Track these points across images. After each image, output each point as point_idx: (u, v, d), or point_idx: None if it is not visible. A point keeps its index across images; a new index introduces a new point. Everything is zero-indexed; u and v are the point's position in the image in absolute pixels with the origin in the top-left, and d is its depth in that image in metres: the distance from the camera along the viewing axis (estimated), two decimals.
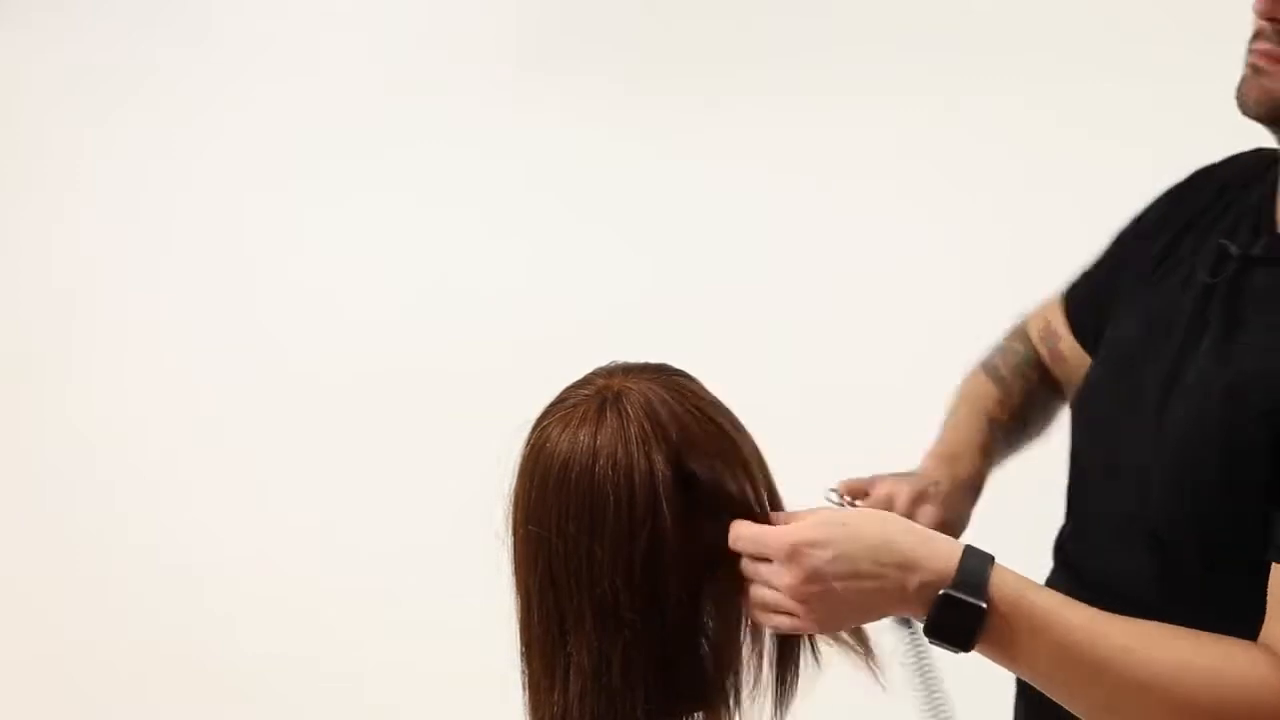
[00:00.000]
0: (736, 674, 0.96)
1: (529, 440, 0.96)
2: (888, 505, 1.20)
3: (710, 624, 0.94)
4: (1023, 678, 0.94)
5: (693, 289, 2.38)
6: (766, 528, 0.91)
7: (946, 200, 2.20)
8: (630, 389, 0.94)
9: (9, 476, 2.77)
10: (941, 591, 0.88)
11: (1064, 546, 1.22)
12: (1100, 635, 0.90)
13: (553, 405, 0.97)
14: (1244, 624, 0.93)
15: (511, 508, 0.96)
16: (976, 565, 0.89)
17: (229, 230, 2.68)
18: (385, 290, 2.58)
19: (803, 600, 0.89)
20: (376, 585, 2.50)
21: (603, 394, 0.94)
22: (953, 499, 1.25)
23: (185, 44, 2.72)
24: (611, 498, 0.90)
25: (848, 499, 1.22)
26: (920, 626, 0.91)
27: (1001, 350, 1.39)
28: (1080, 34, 2.14)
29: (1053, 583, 1.17)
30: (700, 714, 0.94)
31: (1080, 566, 1.17)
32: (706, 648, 0.93)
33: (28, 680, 2.68)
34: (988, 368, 1.38)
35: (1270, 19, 1.00)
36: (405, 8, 2.63)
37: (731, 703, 0.95)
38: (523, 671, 0.96)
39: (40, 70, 2.81)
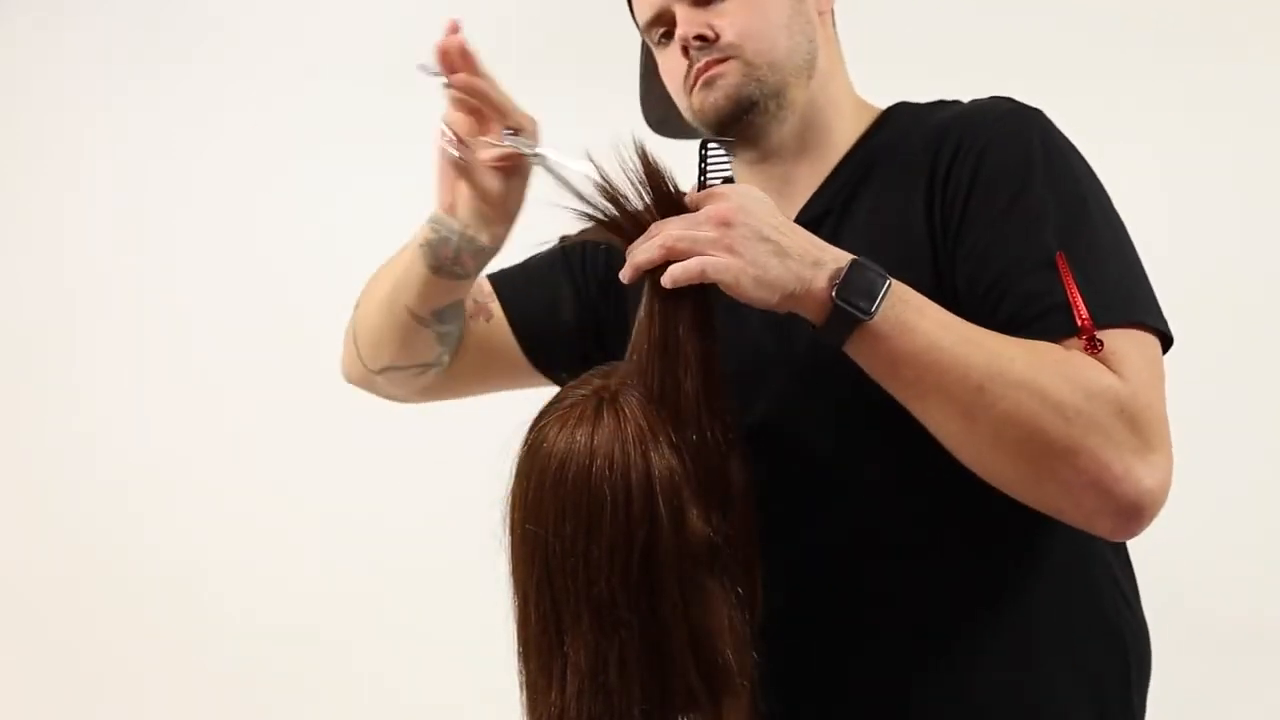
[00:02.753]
0: (732, 674, 0.96)
1: (526, 440, 0.96)
2: None
3: (707, 624, 0.93)
4: (893, 374, 0.94)
5: None
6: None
7: None
8: (627, 389, 0.94)
9: (9, 476, 2.77)
10: (856, 261, 0.93)
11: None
12: (978, 330, 0.94)
13: (550, 405, 0.97)
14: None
15: (509, 508, 0.96)
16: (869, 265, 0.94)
17: (232, 230, 2.67)
18: None
19: (726, 224, 0.92)
20: (377, 585, 2.49)
21: (600, 394, 0.94)
22: None
23: (189, 43, 2.71)
24: (608, 498, 0.90)
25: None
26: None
27: None
28: (1081, 35, 2.15)
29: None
30: (696, 714, 0.94)
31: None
32: (703, 648, 0.93)
33: (28, 680, 2.68)
34: None
35: (695, 39, 1.11)
36: (406, 11, 2.63)
37: (728, 703, 0.95)
38: (519, 671, 0.96)
39: (41, 70, 2.81)
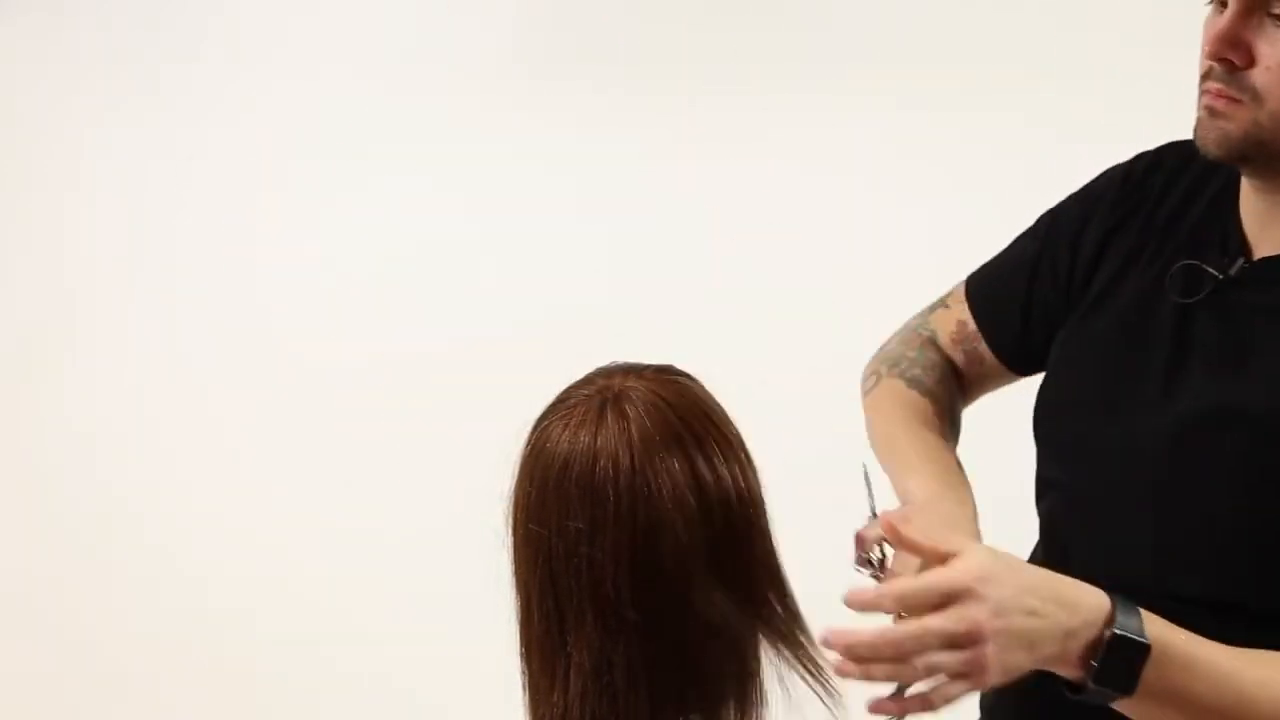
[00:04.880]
0: (736, 676, 0.96)
1: (530, 440, 0.96)
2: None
3: (710, 625, 0.93)
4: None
5: (691, 285, 2.38)
6: (927, 575, 0.83)
7: (935, 198, 2.20)
8: (631, 390, 0.94)
9: (10, 476, 2.77)
10: (1110, 631, 0.84)
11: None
12: (1248, 675, 0.89)
13: (554, 405, 0.97)
14: None
15: (512, 507, 0.96)
16: (1127, 604, 0.87)
17: (230, 230, 2.68)
18: (385, 291, 2.57)
19: (987, 639, 0.82)
20: (379, 585, 2.50)
21: (604, 394, 0.94)
22: (974, 526, 1.17)
23: (189, 44, 2.72)
24: (611, 498, 0.90)
25: (874, 550, 1.11)
26: None
27: (919, 362, 1.32)
28: (1079, 37, 2.15)
29: None
30: (700, 715, 0.94)
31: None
32: (707, 649, 0.93)
33: (29, 681, 2.68)
34: (911, 380, 1.30)
35: (1219, 59, 0.99)
36: (406, 12, 2.63)
37: (732, 705, 0.95)
38: (523, 671, 0.96)
39: (41, 70, 2.81)
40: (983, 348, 1.29)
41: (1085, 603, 0.86)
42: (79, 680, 2.67)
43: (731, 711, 0.95)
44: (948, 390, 1.30)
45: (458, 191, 2.56)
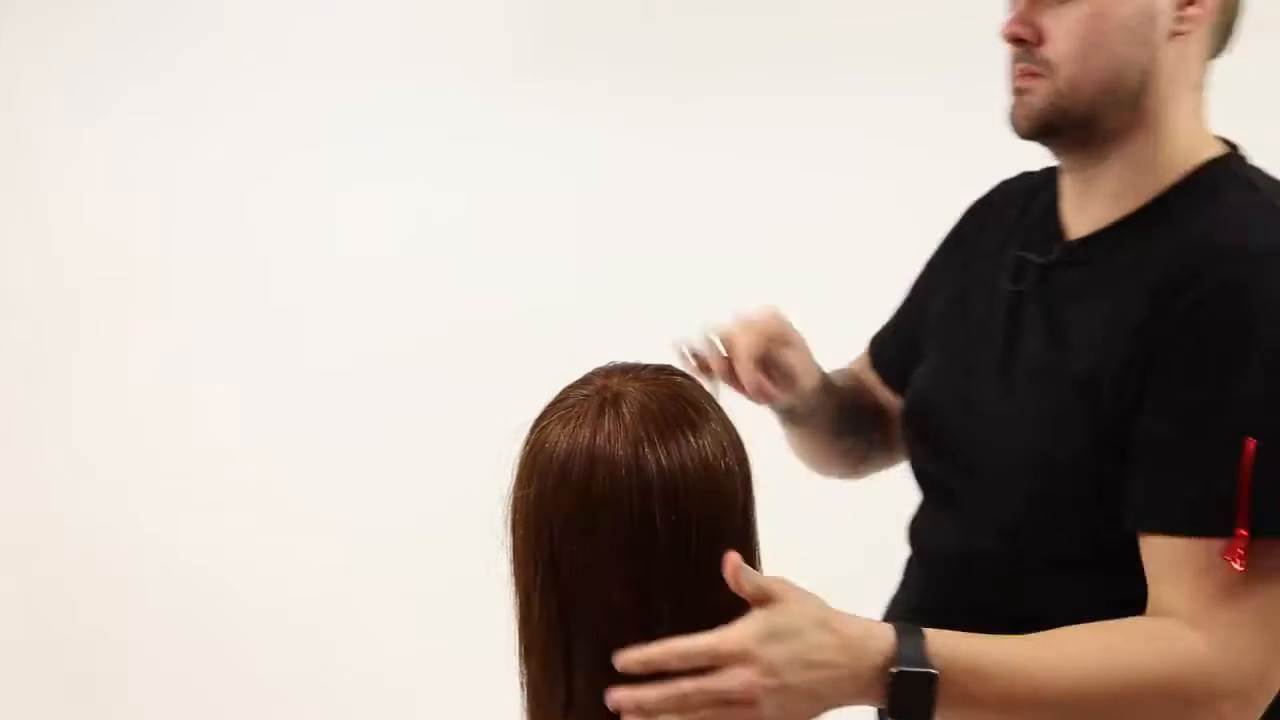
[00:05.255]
0: None
1: (528, 439, 0.96)
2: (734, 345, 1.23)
3: (711, 624, 0.93)
4: None
5: (691, 284, 2.38)
6: (706, 637, 0.87)
7: (929, 197, 2.19)
8: (629, 390, 0.94)
9: (10, 476, 2.77)
10: (894, 670, 0.89)
11: (918, 531, 1.27)
12: (1039, 662, 0.95)
13: (552, 404, 0.97)
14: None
15: (511, 508, 0.96)
16: (910, 636, 0.91)
17: (232, 229, 2.68)
18: (385, 291, 2.58)
19: (759, 699, 0.86)
20: (378, 585, 2.50)
21: (602, 394, 0.94)
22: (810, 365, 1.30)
23: (188, 45, 2.72)
24: (609, 499, 0.90)
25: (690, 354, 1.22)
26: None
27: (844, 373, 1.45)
28: None
29: (909, 571, 1.27)
30: None
31: (932, 550, 1.24)
32: None
33: (29, 681, 2.68)
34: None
35: (1014, 40, 1.09)
36: (405, 13, 2.63)
37: None
38: (521, 672, 0.96)
39: (42, 68, 2.81)
40: (884, 391, 1.40)
41: (867, 646, 0.90)
42: (79, 680, 2.67)
43: None
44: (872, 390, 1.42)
45: (458, 190, 2.56)
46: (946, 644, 0.92)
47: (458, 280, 2.55)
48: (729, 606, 0.88)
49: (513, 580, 0.96)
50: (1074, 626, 0.98)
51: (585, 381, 0.97)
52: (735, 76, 2.40)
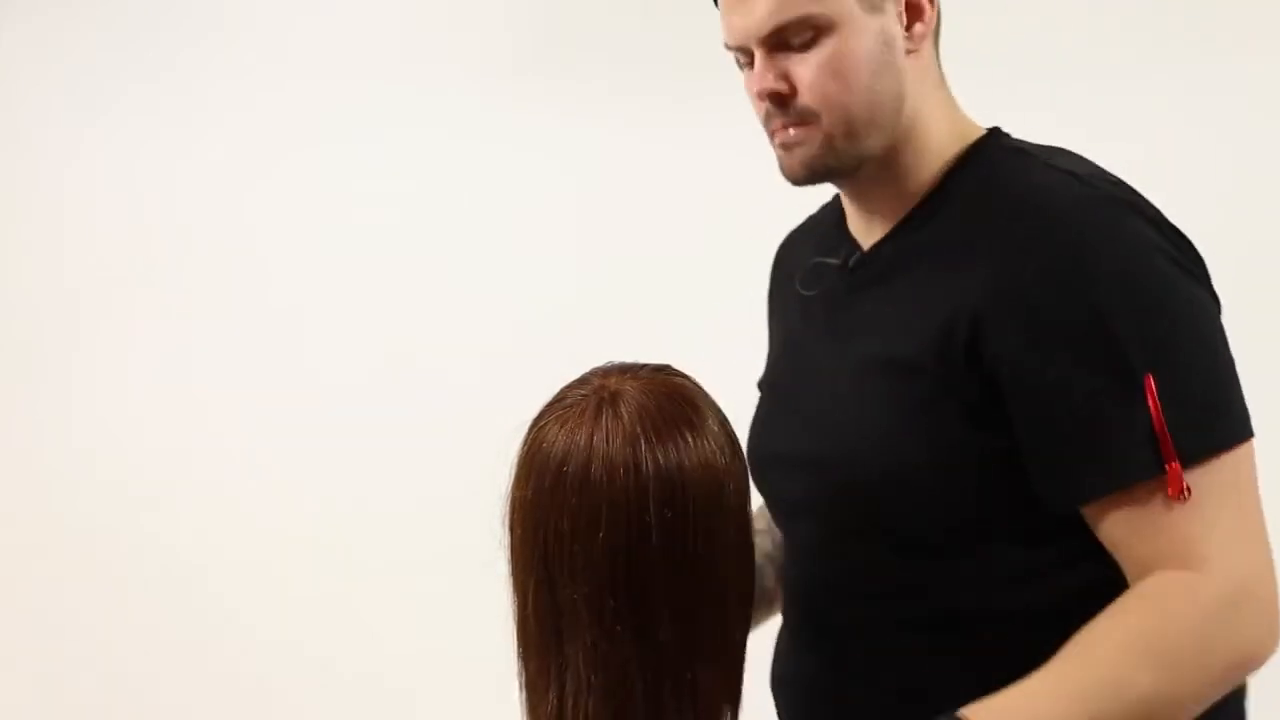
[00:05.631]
0: (729, 677, 0.96)
1: (526, 439, 0.96)
2: None
3: (703, 626, 0.93)
4: None
5: (690, 283, 2.38)
6: None
7: None
8: (627, 390, 0.94)
9: (10, 476, 2.78)
10: None
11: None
12: (1054, 694, 0.94)
13: (550, 404, 0.97)
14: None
15: (508, 507, 0.96)
16: None
17: (232, 228, 2.68)
18: (384, 291, 2.57)
19: None
20: (377, 585, 2.50)
21: (599, 394, 0.94)
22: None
23: (188, 45, 2.72)
24: (606, 499, 0.90)
25: None
26: None
27: None
28: (1078, 34, 2.15)
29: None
30: (697, 717, 0.94)
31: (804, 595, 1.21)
32: (699, 651, 0.93)
33: (30, 681, 2.68)
34: None
35: (770, 98, 1.10)
36: (405, 13, 2.63)
37: (726, 708, 0.95)
38: (519, 672, 0.96)
39: (42, 68, 2.81)
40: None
41: None
42: (80, 680, 2.67)
43: (727, 715, 0.95)
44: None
45: (458, 190, 2.56)
46: (981, 713, 0.92)
47: (457, 280, 2.54)
48: (724, 606, 0.88)
49: (511, 580, 0.96)
50: (1065, 652, 0.96)
51: (583, 381, 0.97)
52: (735, 76, 2.40)
